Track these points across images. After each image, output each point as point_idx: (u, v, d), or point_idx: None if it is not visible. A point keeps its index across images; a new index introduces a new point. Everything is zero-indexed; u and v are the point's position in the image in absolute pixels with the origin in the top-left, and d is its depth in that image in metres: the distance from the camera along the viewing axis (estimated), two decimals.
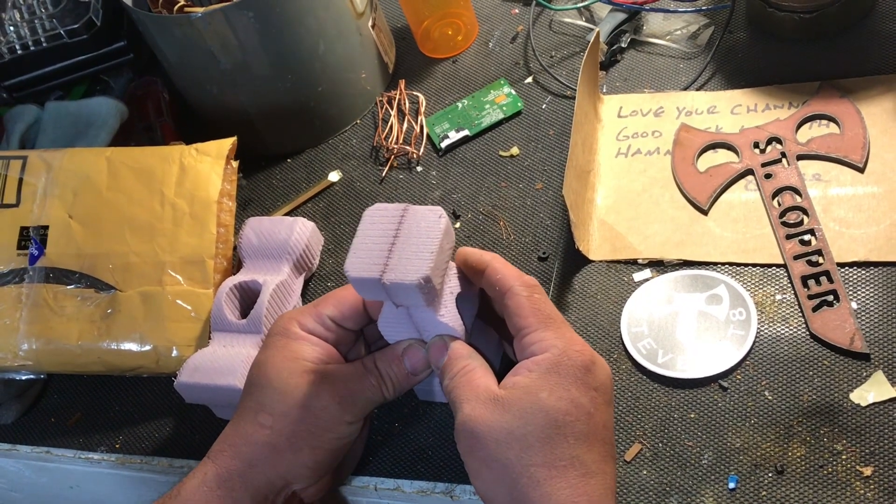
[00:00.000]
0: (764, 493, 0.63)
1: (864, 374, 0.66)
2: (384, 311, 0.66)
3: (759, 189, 0.77)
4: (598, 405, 0.59)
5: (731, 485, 0.64)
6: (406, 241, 0.61)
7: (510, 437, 0.57)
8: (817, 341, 0.68)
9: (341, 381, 0.65)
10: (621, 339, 0.72)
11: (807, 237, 0.73)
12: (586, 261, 0.77)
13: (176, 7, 0.86)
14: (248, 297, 0.79)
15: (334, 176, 0.92)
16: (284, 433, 0.63)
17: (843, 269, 0.71)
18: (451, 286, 0.65)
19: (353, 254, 0.62)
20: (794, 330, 0.69)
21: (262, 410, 0.64)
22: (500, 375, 0.62)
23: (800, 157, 0.78)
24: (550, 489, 0.56)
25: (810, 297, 0.70)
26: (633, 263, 0.77)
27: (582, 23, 0.96)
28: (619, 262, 0.77)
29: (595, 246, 0.78)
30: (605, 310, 0.75)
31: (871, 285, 0.70)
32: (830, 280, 0.70)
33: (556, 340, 0.60)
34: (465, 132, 0.90)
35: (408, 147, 0.91)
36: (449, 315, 0.64)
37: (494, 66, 0.96)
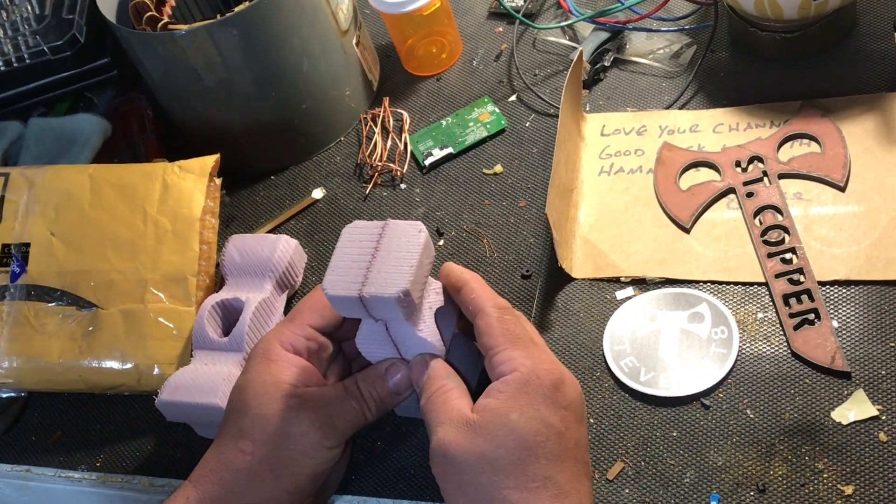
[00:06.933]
0: None
1: (846, 392, 0.66)
2: (362, 329, 0.66)
3: (741, 208, 0.77)
4: (569, 423, 0.59)
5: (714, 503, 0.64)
6: (386, 254, 0.62)
7: (482, 461, 0.58)
8: (799, 360, 0.68)
9: (322, 405, 0.65)
10: (604, 357, 0.72)
11: (788, 256, 0.73)
12: (569, 279, 0.78)
13: (160, 24, 0.86)
14: (230, 315, 0.79)
15: (318, 193, 0.92)
16: (265, 460, 0.63)
17: (824, 288, 0.71)
18: (430, 301, 0.65)
19: (332, 271, 0.62)
20: (776, 348, 0.70)
21: (243, 436, 0.64)
22: (480, 388, 0.62)
23: (781, 176, 0.78)
24: None
25: (791, 316, 0.70)
26: (616, 281, 0.77)
27: (565, 41, 0.96)
28: (601, 280, 0.77)
29: (578, 264, 0.78)
30: (588, 328, 0.75)
31: (852, 304, 0.70)
32: (811, 299, 0.71)
33: (525, 359, 0.60)
34: (449, 150, 0.90)
35: (392, 164, 0.91)
36: (427, 330, 0.64)
37: (478, 84, 0.96)
